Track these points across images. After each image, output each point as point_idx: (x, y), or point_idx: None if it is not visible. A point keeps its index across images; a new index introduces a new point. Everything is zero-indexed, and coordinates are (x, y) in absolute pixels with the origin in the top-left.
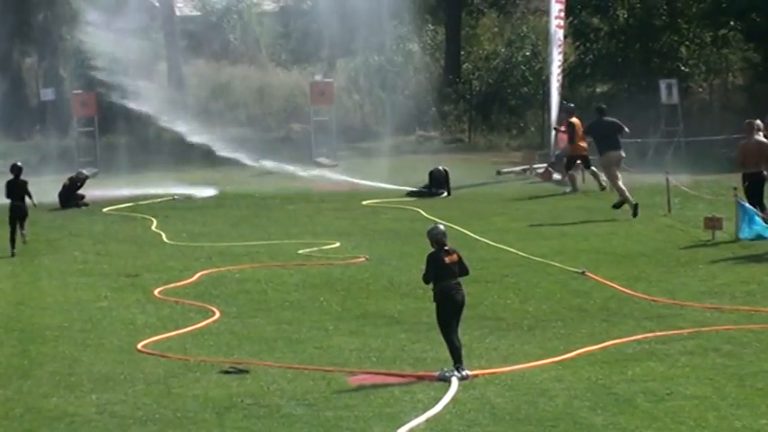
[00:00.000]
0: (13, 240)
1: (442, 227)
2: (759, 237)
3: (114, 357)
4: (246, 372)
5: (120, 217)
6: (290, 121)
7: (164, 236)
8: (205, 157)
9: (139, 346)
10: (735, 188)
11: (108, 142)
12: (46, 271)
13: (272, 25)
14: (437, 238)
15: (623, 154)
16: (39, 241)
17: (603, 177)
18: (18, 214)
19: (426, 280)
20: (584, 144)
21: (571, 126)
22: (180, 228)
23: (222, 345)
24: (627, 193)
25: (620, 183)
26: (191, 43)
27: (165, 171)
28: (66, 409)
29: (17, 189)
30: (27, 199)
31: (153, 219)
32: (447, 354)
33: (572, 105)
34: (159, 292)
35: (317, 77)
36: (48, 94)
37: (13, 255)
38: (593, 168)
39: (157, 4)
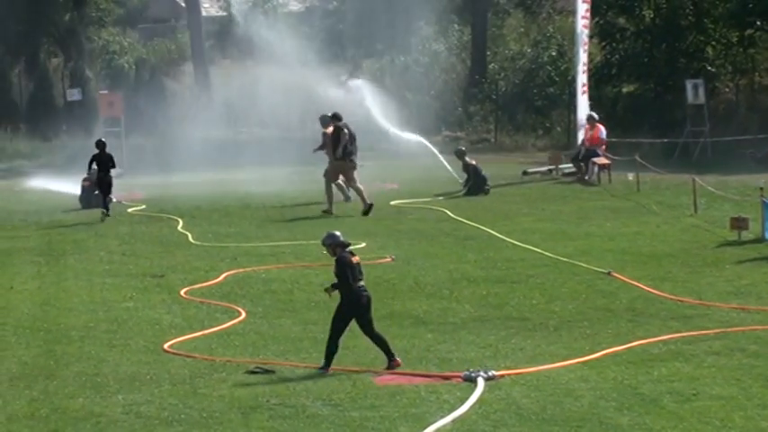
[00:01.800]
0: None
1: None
2: None
3: (140, 358)
4: (272, 372)
5: (147, 217)
6: (316, 122)
7: (190, 236)
8: (232, 158)
9: (165, 346)
10: (761, 188)
11: (134, 143)
12: (72, 271)
13: (298, 25)
14: (338, 241)
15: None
16: (65, 242)
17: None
18: (104, 185)
19: (347, 284)
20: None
21: None
22: (206, 228)
23: (248, 345)
24: (364, 194)
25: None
26: (216, 43)
27: (191, 172)
28: (92, 409)
29: (102, 161)
30: (112, 170)
31: (179, 219)
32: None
33: None
34: (185, 293)
35: (343, 78)
36: (74, 95)
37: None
38: None
39: (183, 5)
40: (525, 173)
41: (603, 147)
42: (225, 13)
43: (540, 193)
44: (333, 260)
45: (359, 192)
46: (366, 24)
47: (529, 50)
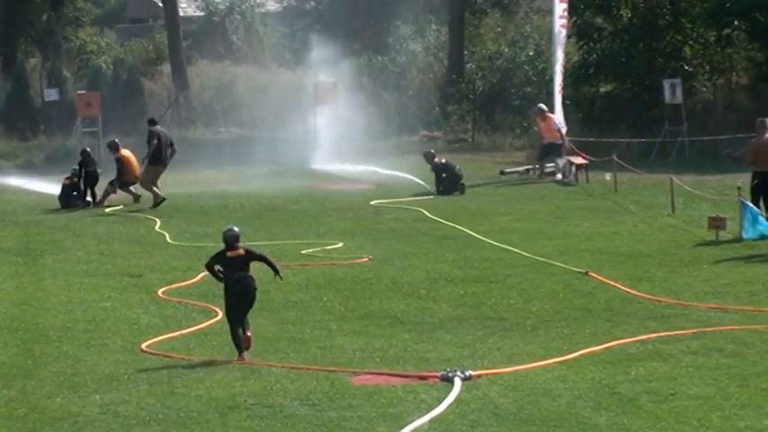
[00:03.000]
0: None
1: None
2: (763, 237)
3: (118, 357)
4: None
5: (124, 217)
6: (293, 122)
7: (167, 236)
8: (209, 157)
9: (143, 346)
10: (739, 188)
11: None
12: (49, 271)
13: (275, 25)
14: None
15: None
16: (43, 241)
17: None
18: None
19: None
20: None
21: None
22: (183, 228)
23: (225, 345)
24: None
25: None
26: (194, 43)
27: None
28: (69, 409)
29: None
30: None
31: (157, 219)
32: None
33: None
34: (163, 293)
35: (321, 78)
36: (52, 95)
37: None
38: None
39: (161, 5)
40: (503, 172)
41: (561, 137)
42: (203, 13)
43: (517, 192)
44: (308, 261)
45: (155, 192)
46: (343, 24)
47: (506, 50)
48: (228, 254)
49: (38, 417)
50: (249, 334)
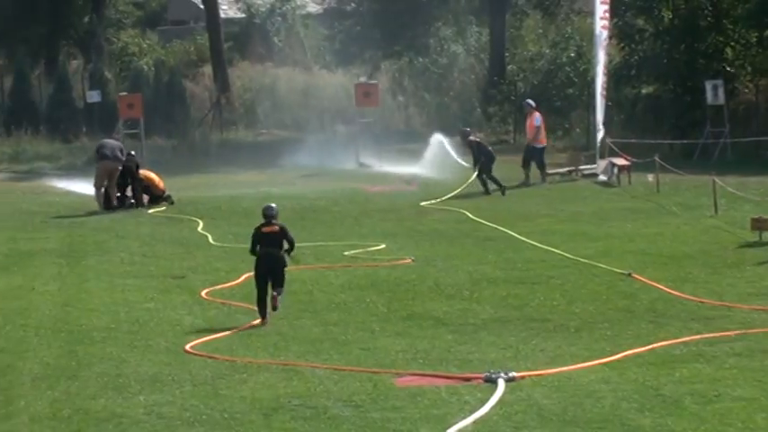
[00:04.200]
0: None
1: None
2: None
3: (162, 359)
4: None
5: (167, 219)
6: (335, 123)
7: (210, 237)
8: (251, 159)
9: (187, 347)
10: None
11: (154, 144)
12: (93, 272)
13: (316, 27)
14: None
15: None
16: (86, 243)
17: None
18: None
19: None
20: None
21: None
22: (226, 229)
23: (269, 346)
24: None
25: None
26: (235, 45)
27: (210, 173)
28: (114, 410)
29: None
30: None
31: (199, 220)
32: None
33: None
34: (206, 294)
35: (362, 79)
36: (94, 97)
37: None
38: None
39: (202, 7)
40: (545, 174)
41: (541, 137)
42: (243, 15)
43: (559, 194)
44: (351, 263)
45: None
46: (384, 26)
47: (547, 51)
48: (264, 229)
49: (82, 418)
50: (275, 294)
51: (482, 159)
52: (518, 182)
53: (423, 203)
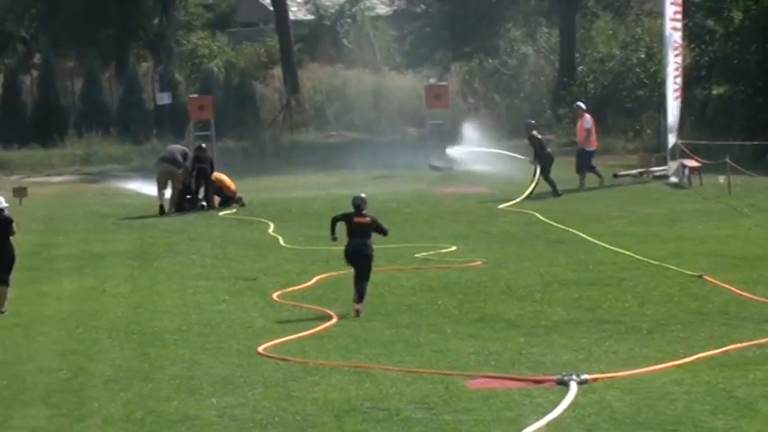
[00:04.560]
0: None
1: (363, 195)
2: None
3: (233, 361)
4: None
5: (238, 221)
6: (405, 125)
7: (281, 239)
8: (321, 161)
9: (260, 349)
10: None
11: (224, 146)
12: (164, 274)
13: (386, 29)
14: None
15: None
16: (157, 245)
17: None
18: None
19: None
20: None
21: None
22: (296, 231)
23: (341, 348)
24: None
25: None
26: (305, 47)
27: (281, 175)
28: (186, 412)
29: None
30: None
31: (270, 222)
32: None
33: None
34: (277, 296)
35: (432, 81)
36: (164, 98)
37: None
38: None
39: (271, 8)
40: (616, 175)
41: (591, 139)
42: (313, 17)
43: (630, 195)
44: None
45: None
46: (454, 27)
47: (617, 53)
48: (356, 219)
49: (155, 420)
50: (358, 308)
51: (541, 154)
52: (596, 184)
53: (501, 206)
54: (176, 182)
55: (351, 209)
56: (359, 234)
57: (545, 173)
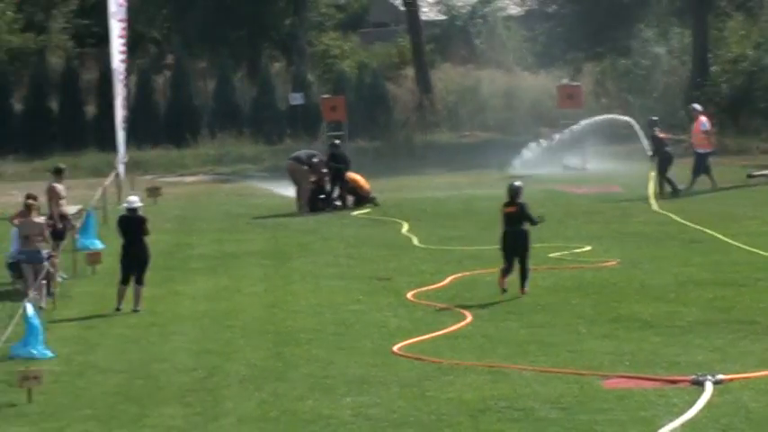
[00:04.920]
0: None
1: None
2: None
3: (368, 360)
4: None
5: (371, 221)
6: (538, 125)
7: (414, 239)
8: (454, 161)
9: (394, 348)
10: None
11: (357, 147)
12: (298, 274)
13: (517, 29)
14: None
15: None
16: (291, 244)
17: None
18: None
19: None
20: None
21: None
22: (430, 231)
23: (475, 348)
24: None
25: None
26: (437, 47)
27: (414, 175)
28: (321, 411)
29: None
30: None
31: (403, 222)
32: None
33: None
34: (411, 296)
35: (565, 81)
36: (296, 99)
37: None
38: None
39: (403, 9)
40: (750, 176)
41: (708, 142)
42: (445, 17)
43: (765, 196)
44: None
45: None
46: (586, 27)
47: (750, 53)
48: (506, 210)
49: (289, 419)
50: (525, 287)
51: (659, 152)
52: (730, 184)
53: (655, 209)
54: (301, 179)
55: (504, 200)
56: (510, 222)
57: (662, 171)
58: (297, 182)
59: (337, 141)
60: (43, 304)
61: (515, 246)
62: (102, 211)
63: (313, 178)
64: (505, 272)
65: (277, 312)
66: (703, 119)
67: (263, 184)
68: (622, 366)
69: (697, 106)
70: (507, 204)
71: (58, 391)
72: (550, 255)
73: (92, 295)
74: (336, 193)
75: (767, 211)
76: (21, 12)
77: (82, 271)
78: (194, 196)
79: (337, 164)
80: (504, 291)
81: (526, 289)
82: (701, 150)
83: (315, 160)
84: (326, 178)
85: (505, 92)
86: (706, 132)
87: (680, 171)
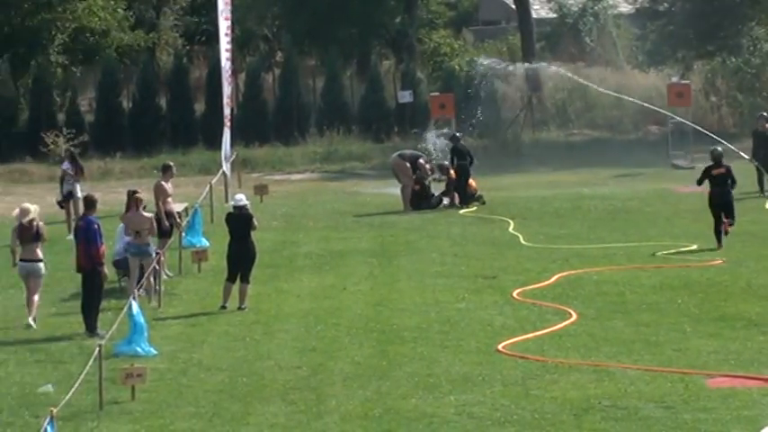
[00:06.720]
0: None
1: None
2: None
3: (472, 358)
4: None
5: (478, 219)
6: (647, 123)
7: (521, 238)
8: (562, 159)
9: (499, 347)
10: None
11: (465, 144)
12: (404, 272)
13: (628, 27)
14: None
15: None
16: (397, 243)
17: None
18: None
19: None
20: None
21: None
22: (537, 230)
23: (580, 346)
24: None
25: None
26: (547, 45)
27: (522, 173)
28: (424, 409)
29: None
30: None
31: (510, 221)
32: None
33: None
34: (517, 294)
35: (674, 79)
36: (405, 96)
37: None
38: None
39: (513, 7)
40: None
41: None
42: (555, 15)
43: None
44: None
45: None
46: (697, 25)
47: None
48: (714, 171)
49: (393, 417)
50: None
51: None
52: None
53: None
54: (403, 176)
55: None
56: (717, 183)
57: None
58: (399, 179)
59: (459, 134)
60: (155, 303)
61: (721, 202)
62: (208, 208)
63: (417, 187)
64: (717, 227)
65: (382, 310)
66: None
67: (370, 182)
68: (727, 365)
69: (766, 114)
70: (714, 167)
71: (161, 388)
72: (657, 253)
73: (197, 293)
74: (456, 196)
75: None
76: (131, 9)
77: (187, 269)
78: (301, 194)
79: (460, 160)
80: (725, 233)
81: (730, 220)
82: None
83: (421, 161)
84: (427, 182)
85: (615, 90)
86: None
87: None
